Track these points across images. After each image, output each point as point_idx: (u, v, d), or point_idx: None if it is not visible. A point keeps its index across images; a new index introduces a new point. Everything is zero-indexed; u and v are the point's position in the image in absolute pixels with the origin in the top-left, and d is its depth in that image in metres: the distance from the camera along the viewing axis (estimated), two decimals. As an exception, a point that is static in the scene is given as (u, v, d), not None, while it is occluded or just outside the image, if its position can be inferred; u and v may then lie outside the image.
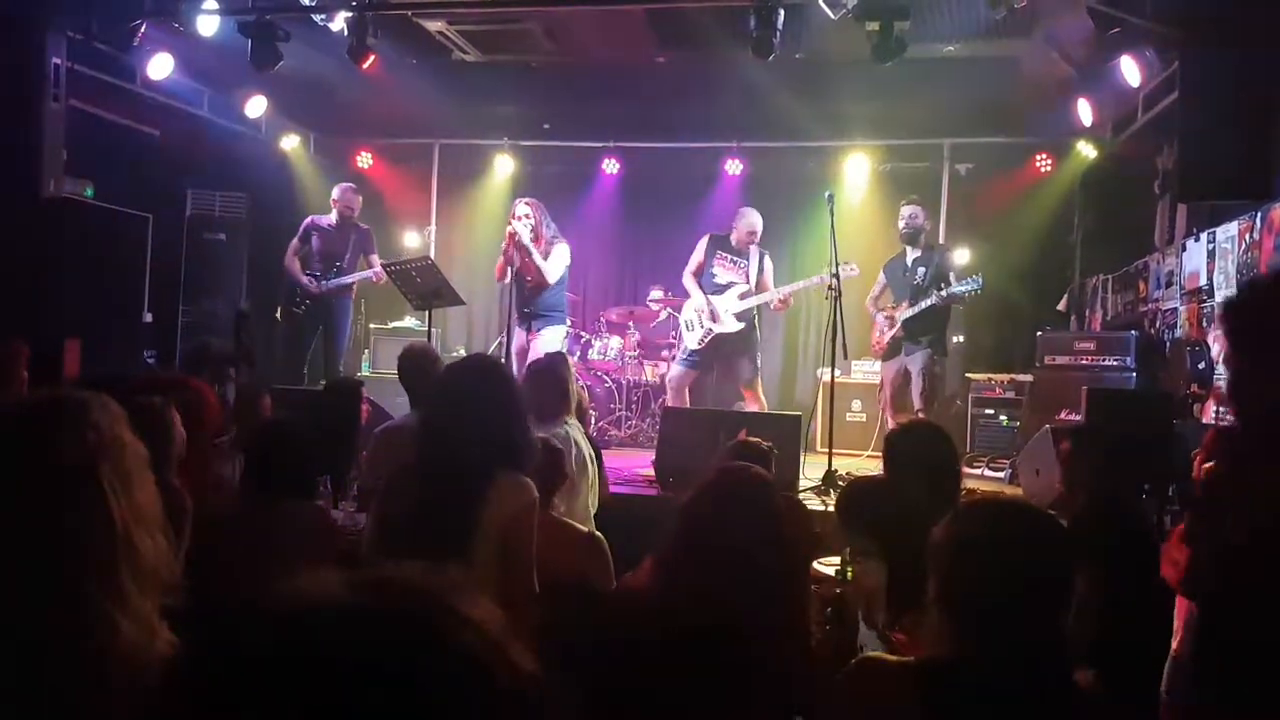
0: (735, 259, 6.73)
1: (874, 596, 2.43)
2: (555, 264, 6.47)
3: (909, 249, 6.54)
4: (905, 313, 6.34)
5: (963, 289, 6.14)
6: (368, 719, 0.54)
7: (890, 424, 6.61)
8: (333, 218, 7.40)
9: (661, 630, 1.91)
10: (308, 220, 7.50)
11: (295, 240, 7.39)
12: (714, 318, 6.65)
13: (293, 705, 0.54)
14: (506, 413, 2.53)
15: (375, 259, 7.33)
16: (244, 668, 0.56)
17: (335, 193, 7.45)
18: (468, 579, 0.68)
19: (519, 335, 6.51)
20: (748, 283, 6.65)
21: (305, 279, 7.24)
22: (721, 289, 6.68)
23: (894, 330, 6.42)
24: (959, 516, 1.76)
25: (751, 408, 6.58)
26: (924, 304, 6.25)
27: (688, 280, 6.84)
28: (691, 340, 6.74)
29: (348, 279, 7.30)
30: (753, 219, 6.74)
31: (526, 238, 6.33)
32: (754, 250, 6.71)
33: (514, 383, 2.76)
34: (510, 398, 2.60)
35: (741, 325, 6.62)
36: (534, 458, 2.66)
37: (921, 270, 6.38)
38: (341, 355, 7.43)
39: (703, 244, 6.85)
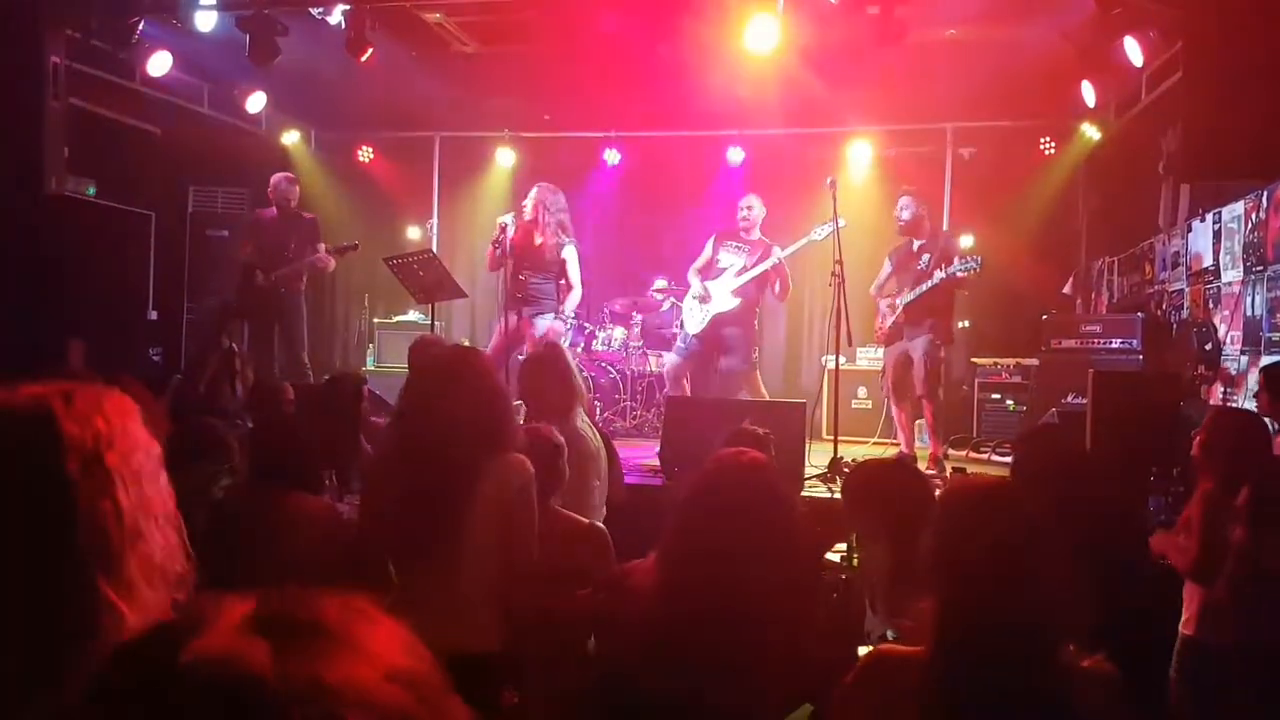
0: (739, 245, 6.84)
1: (880, 581, 2.43)
2: (573, 270, 6.56)
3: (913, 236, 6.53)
4: (906, 296, 6.29)
5: (962, 268, 6.09)
6: None
7: (894, 411, 6.60)
8: (273, 210, 7.24)
9: (668, 622, 1.91)
10: (252, 216, 7.38)
11: (245, 239, 7.26)
12: (708, 298, 6.72)
13: None
14: (487, 398, 2.53)
15: (322, 248, 7.10)
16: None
17: (270, 184, 7.27)
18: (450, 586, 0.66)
19: (510, 320, 6.54)
20: (748, 266, 6.74)
21: (256, 274, 7.05)
22: (721, 272, 6.77)
23: (896, 315, 6.39)
24: (944, 509, 1.75)
25: (747, 397, 6.60)
26: (925, 286, 6.20)
27: (692, 275, 6.94)
28: (692, 325, 6.84)
29: (293, 267, 7.08)
30: (749, 201, 6.89)
31: (512, 226, 6.38)
32: (761, 241, 6.80)
33: (492, 368, 2.76)
34: (489, 383, 2.60)
35: (738, 302, 6.70)
36: (519, 441, 2.66)
37: (926, 257, 6.34)
38: (304, 347, 7.23)
39: (710, 242, 7.01)
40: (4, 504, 1.10)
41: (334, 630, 0.58)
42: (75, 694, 0.60)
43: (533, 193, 6.56)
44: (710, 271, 6.89)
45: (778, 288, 6.80)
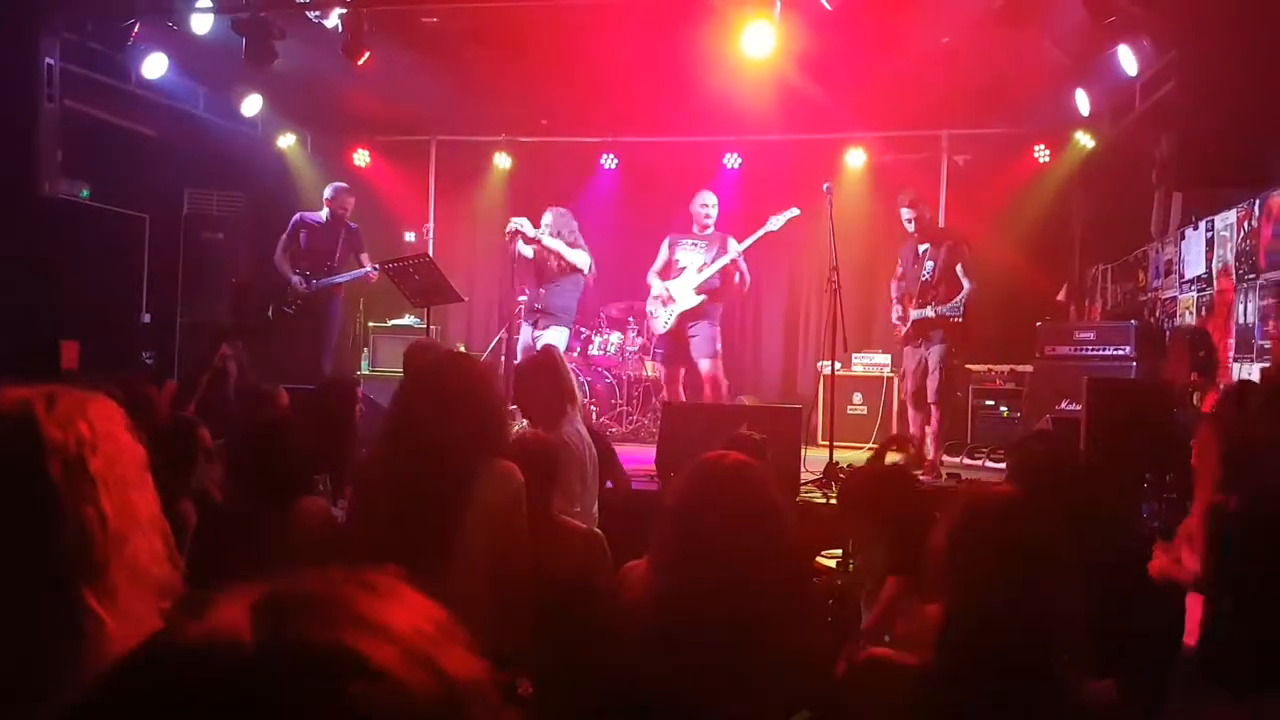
0: (695, 243, 6.98)
1: (876, 586, 2.42)
2: (581, 256, 6.70)
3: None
4: (913, 313, 6.41)
5: (947, 312, 6.24)
6: None
7: (911, 416, 6.61)
8: (323, 215, 7.41)
9: (664, 627, 1.90)
10: (297, 216, 7.48)
11: (285, 236, 7.38)
12: (671, 299, 6.80)
13: None
14: (480, 404, 2.52)
15: (366, 258, 7.36)
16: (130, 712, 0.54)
17: (328, 192, 7.45)
18: (392, 580, 0.64)
19: (526, 331, 6.72)
20: (709, 262, 6.85)
21: (295, 278, 7.23)
22: (681, 272, 6.90)
23: (906, 326, 6.50)
24: (957, 518, 1.75)
25: (709, 393, 6.68)
26: (921, 315, 6.33)
27: (652, 278, 7.06)
28: (659, 326, 6.98)
29: (339, 279, 7.31)
30: (702, 198, 7.02)
31: (532, 231, 6.55)
32: (716, 235, 6.92)
33: (487, 374, 2.75)
34: (483, 388, 2.59)
35: (702, 298, 6.82)
36: (509, 447, 2.65)
37: (930, 265, 6.38)
38: (332, 352, 7.45)
39: (665, 245, 7.13)
40: None
41: (330, 601, 0.58)
42: (59, 700, 0.59)
43: (545, 218, 6.73)
44: (670, 273, 7.00)
45: (737, 279, 6.89)
